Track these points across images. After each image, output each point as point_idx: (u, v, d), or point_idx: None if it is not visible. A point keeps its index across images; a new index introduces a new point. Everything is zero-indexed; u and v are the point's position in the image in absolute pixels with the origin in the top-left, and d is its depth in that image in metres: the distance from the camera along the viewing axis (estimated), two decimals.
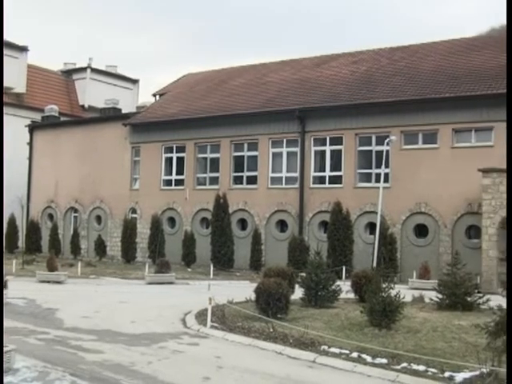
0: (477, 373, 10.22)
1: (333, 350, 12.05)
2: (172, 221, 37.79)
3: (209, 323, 14.42)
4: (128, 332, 13.74)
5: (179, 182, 37.76)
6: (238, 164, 36.00)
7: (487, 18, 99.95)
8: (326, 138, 33.18)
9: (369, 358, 11.42)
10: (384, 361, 11.25)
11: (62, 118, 47.07)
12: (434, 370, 10.64)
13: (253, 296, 15.86)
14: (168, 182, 38.46)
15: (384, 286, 14.90)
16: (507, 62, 18.32)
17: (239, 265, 32.81)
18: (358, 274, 20.05)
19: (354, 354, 11.68)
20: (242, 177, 35.91)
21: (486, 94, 28.75)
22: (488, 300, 17.34)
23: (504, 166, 26.10)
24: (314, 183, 33.39)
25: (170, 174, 38.35)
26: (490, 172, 26.33)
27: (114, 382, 9.49)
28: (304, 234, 32.57)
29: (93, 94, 52.22)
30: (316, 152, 33.56)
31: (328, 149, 33.17)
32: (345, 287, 19.67)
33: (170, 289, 24.06)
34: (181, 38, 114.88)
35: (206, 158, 37.27)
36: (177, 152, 38.05)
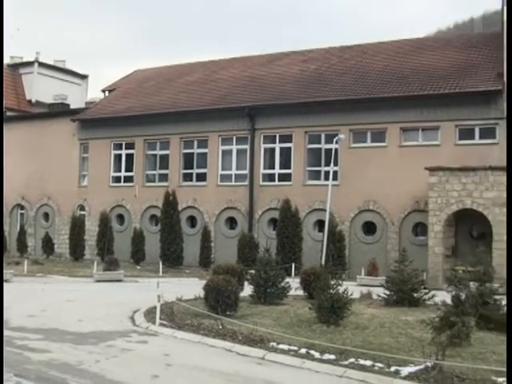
0: (422, 367, 10.42)
1: (282, 346, 12.12)
2: (121, 218, 37.45)
3: (157, 321, 14.35)
4: (75, 331, 13.56)
5: (128, 179, 37.44)
6: (188, 161, 35.88)
7: (434, 20, 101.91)
8: (275, 136, 33.33)
9: (317, 354, 11.52)
10: (332, 357, 11.36)
11: (9, 113, 46.11)
12: (380, 364, 10.80)
13: (202, 293, 15.84)
14: (117, 179, 38.09)
15: (332, 282, 15.04)
16: (507, 62, 18.65)
17: (189, 262, 32.70)
18: (307, 271, 20.20)
19: (303, 351, 11.77)
20: (191, 174, 35.80)
21: (433, 94, 29.28)
22: (434, 296, 17.67)
23: (450, 164, 26.82)
24: (263, 181, 33.50)
25: (119, 170, 38.00)
26: (436, 170, 26.82)
27: (60, 381, 9.36)
28: (253, 231, 32.67)
29: (40, 89, 51.19)
30: (266, 149, 33.68)
31: (277, 146, 33.33)
32: (294, 284, 19.75)
33: (119, 287, 23.86)
34: (131, 33, 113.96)
35: (155, 155, 37.04)
36: (126, 149, 37.71)
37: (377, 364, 10.83)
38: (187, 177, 35.91)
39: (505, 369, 10.44)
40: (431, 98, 29.36)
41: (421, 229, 29.27)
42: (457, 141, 28.94)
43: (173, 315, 14.97)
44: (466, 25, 64.17)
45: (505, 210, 25.26)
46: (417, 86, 30.18)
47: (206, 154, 35.14)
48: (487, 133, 28.59)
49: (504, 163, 26.27)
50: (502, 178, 25.46)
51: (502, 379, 9.89)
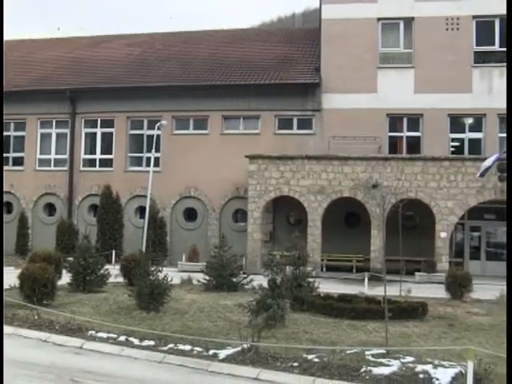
0: (239, 349, 10.78)
1: (100, 334, 12.03)
2: None
3: None
4: None
5: None
6: (4, 144, 34.13)
7: (259, 13, 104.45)
8: (97, 120, 32.63)
9: (136, 341, 11.57)
10: (151, 343, 11.46)
11: None
12: (199, 348, 11.04)
13: (17, 283, 15.28)
14: None
15: (152, 269, 15.10)
16: (507, 60, 19.14)
17: (4, 250, 31.20)
18: (127, 258, 20.16)
19: (122, 338, 11.76)
20: (8, 158, 34.12)
21: (254, 84, 30.04)
22: (252, 280, 18.27)
23: (269, 153, 27.69)
24: (84, 166, 32.71)
25: None
26: (256, 158, 27.57)
27: None
28: (73, 217, 31.88)
29: None
30: (87, 134, 32.89)
31: (99, 131, 32.68)
32: (114, 271, 19.66)
33: None
34: None
35: None
36: None
37: (196, 348, 11.07)
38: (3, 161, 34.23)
39: (316, 346, 11.09)
40: (252, 88, 30.11)
41: (241, 215, 30.01)
42: (276, 130, 29.97)
43: None
44: (288, 19, 66.23)
45: (319, 197, 26.56)
46: (239, 76, 30.80)
47: (23, 137, 33.68)
48: (304, 123, 29.87)
49: (319, 153, 27.73)
50: (317, 166, 26.73)
51: (312, 356, 10.47)
